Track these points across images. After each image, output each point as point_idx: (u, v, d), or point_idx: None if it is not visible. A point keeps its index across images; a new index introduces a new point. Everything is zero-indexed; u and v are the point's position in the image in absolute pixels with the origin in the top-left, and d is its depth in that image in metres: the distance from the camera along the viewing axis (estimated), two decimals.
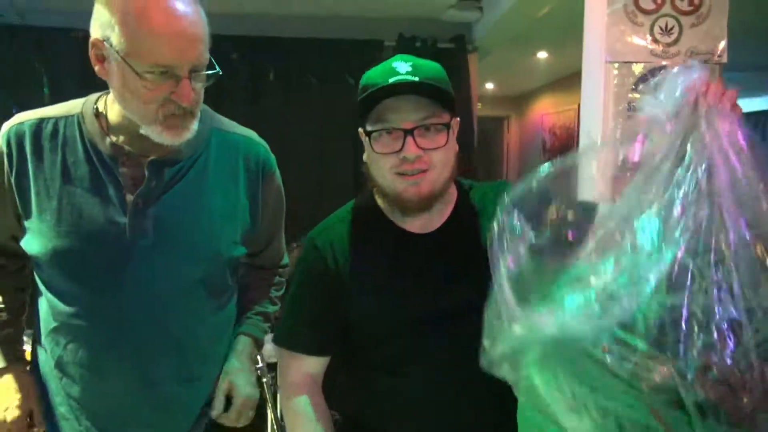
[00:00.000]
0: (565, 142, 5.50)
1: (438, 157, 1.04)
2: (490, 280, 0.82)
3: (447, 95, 1.05)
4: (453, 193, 1.17)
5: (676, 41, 1.79)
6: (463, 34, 3.57)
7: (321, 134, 3.54)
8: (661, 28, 1.78)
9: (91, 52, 1.05)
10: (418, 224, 1.12)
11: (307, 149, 3.52)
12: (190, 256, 1.15)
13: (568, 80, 5.33)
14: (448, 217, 1.14)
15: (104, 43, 1.02)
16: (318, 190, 3.58)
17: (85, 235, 1.09)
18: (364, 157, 1.12)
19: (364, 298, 1.13)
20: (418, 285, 1.10)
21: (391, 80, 1.02)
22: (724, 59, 1.78)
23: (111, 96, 1.12)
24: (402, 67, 1.04)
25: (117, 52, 1.00)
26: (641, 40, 1.78)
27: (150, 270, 1.12)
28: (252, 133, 1.27)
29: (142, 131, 1.07)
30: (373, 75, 1.06)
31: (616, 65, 1.80)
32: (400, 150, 1.02)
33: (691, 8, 1.77)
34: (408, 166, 1.03)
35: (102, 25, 1.02)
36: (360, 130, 1.09)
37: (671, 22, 1.78)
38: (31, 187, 1.11)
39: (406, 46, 3.52)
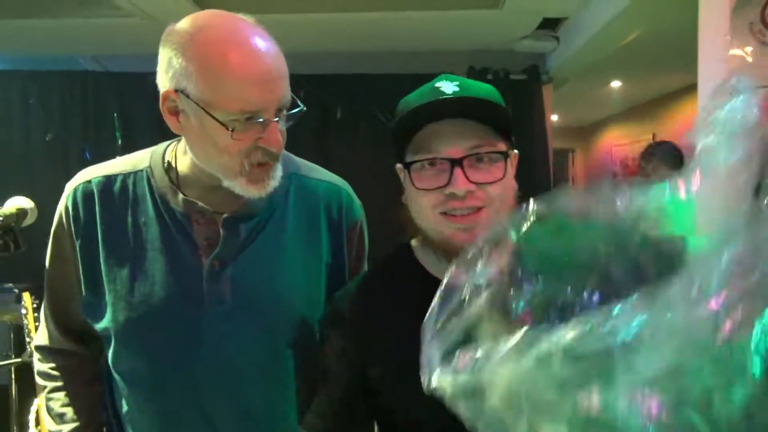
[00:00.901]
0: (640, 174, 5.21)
1: (494, 192, 0.85)
2: None
3: (503, 120, 0.87)
4: None
5: None
6: (537, 64, 3.42)
7: (392, 173, 3.42)
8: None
9: (163, 107, 0.92)
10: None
11: (376, 190, 3.37)
12: (270, 321, 1.00)
13: (640, 109, 5.08)
14: None
15: (179, 94, 0.89)
16: (389, 234, 3.42)
17: (159, 305, 0.96)
18: (403, 197, 0.93)
19: (391, 380, 0.90)
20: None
21: (433, 101, 0.85)
22: None
23: (181, 146, 1.00)
24: (447, 87, 0.86)
25: (196, 103, 0.88)
26: None
27: (228, 339, 0.98)
28: (334, 177, 1.12)
29: (224, 184, 0.94)
30: (412, 98, 0.89)
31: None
32: (447, 185, 0.84)
33: None
34: (457, 203, 0.84)
35: (175, 75, 0.89)
36: (398, 165, 0.91)
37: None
38: (100, 253, 0.99)
39: (477, 78, 3.38)
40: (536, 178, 3.41)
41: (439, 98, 0.86)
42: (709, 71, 1.67)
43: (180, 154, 1.02)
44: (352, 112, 3.42)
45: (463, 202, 0.85)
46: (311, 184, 1.07)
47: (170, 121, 0.94)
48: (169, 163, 1.03)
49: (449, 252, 0.87)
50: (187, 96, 0.89)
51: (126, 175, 1.03)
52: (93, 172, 1.04)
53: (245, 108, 0.87)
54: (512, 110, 3.35)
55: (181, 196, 0.99)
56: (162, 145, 1.07)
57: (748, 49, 1.59)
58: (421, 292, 0.84)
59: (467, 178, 0.84)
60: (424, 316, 0.85)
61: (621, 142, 5.61)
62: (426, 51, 3.46)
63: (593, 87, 4.35)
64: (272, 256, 1.01)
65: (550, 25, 3.08)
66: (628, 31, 2.67)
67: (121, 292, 0.98)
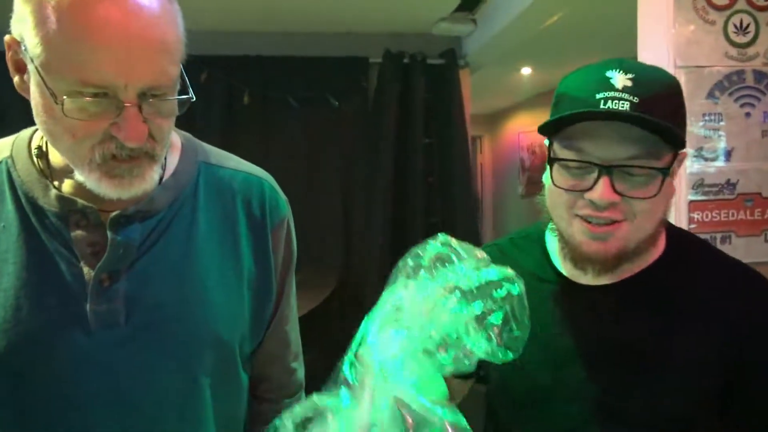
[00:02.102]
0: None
1: (641, 207, 0.78)
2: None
3: (677, 124, 0.78)
4: (659, 241, 0.87)
5: (752, 41, 1.55)
6: (454, 48, 3.32)
7: (303, 163, 3.19)
8: (735, 27, 1.54)
9: (8, 56, 0.71)
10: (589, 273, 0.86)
11: (287, 181, 3.14)
12: (179, 347, 0.79)
13: (547, 96, 5.14)
14: (645, 268, 0.85)
15: (20, 45, 0.69)
16: (299, 227, 3.22)
17: (25, 335, 0.73)
18: (543, 176, 0.85)
19: (495, 371, 0.91)
20: (577, 362, 0.83)
21: (598, 96, 0.76)
22: None
23: None
24: (618, 80, 0.76)
25: (32, 59, 0.67)
26: (714, 41, 1.54)
27: (126, 374, 0.76)
28: (252, 167, 0.93)
29: (76, 176, 0.73)
30: (576, 83, 0.80)
31: (686, 71, 1.54)
32: (589, 189, 0.77)
33: (767, 2, 1.54)
34: (595, 212, 0.78)
35: (19, 20, 0.69)
36: (546, 143, 0.85)
37: (747, 18, 1.54)
38: None
39: (394, 62, 3.24)
40: (456, 165, 3.32)
41: (607, 96, 0.76)
42: (649, 50, 1.61)
43: None
44: (262, 98, 3.16)
45: (601, 213, 0.78)
46: (225, 175, 0.88)
47: (16, 79, 0.73)
48: (40, 150, 0.79)
49: (577, 256, 0.82)
50: (25, 48, 0.68)
51: None
52: None
53: (87, 78, 0.65)
54: (429, 96, 3.28)
55: (54, 191, 0.76)
56: (28, 130, 0.82)
57: (691, 27, 1.53)
58: (539, 281, 0.88)
59: (614, 188, 0.77)
60: (544, 305, 0.86)
61: (528, 128, 5.69)
62: (342, 33, 3.26)
63: (504, 74, 4.33)
64: (179, 265, 0.80)
65: (467, 6, 2.98)
66: (550, 13, 2.61)
67: None
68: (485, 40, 3.14)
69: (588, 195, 0.77)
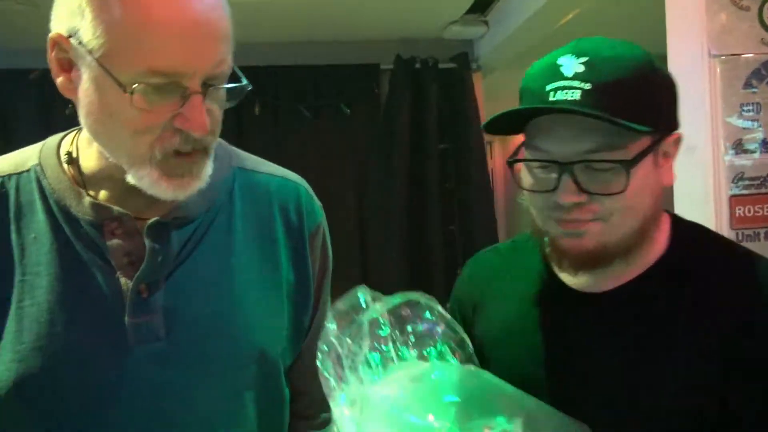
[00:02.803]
0: None
1: (613, 204, 0.71)
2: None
3: (648, 105, 0.70)
4: (659, 239, 0.79)
5: None
6: (466, 52, 3.27)
7: (316, 174, 3.14)
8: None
9: (51, 56, 0.68)
10: (584, 277, 0.80)
11: None
12: (221, 362, 0.76)
13: None
14: (641, 274, 0.78)
15: (70, 39, 0.66)
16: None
17: (62, 352, 0.70)
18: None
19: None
20: (565, 372, 0.78)
21: (548, 87, 0.71)
22: None
23: (85, 133, 0.75)
24: (569, 67, 0.70)
25: (90, 52, 0.64)
26: (749, 28, 1.49)
27: (166, 392, 0.73)
28: (287, 172, 0.91)
29: (130, 179, 0.70)
30: (532, 74, 0.77)
31: (720, 60, 1.48)
32: (553, 190, 0.72)
33: None
34: (564, 214, 0.73)
35: (70, 13, 0.66)
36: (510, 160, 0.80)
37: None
38: None
39: (405, 68, 3.19)
40: (472, 171, 3.26)
41: (555, 87, 0.70)
42: (680, 41, 1.55)
43: (84, 144, 0.76)
44: (273, 108, 3.12)
45: (570, 214, 0.72)
46: (261, 181, 0.86)
47: (60, 80, 0.69)
48: (70, 156, 0.76)
49: (561, 260, 0.77)
50: (80, 42, 0.65)
51: (5, 178, 0.75)
52: None
53: (156, 66, 0.63)
54: (443, 101, 3.23)
55: (87, 199, 0.73)
56: (56, 137, 0.80)
57: (724, 15, 1.48)
58: (536, 286, 0.82)
59: (579, 186, 0.70)
60: (536, 313, 0.81)
61: None
62: (352, 41, 3.22)
63: (515, 77, 4.27)
64: (218, 276, 0.77)
65: (479, 8, 2.94)
66: (565, 11, 2.56)
67: (4, 339, 0.70)
68: (497, 42, 3.09)
69: (554, 197, 0.72)
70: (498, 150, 7.13)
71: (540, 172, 0.75)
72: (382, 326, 0.72)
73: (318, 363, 0.87)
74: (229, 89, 0.72)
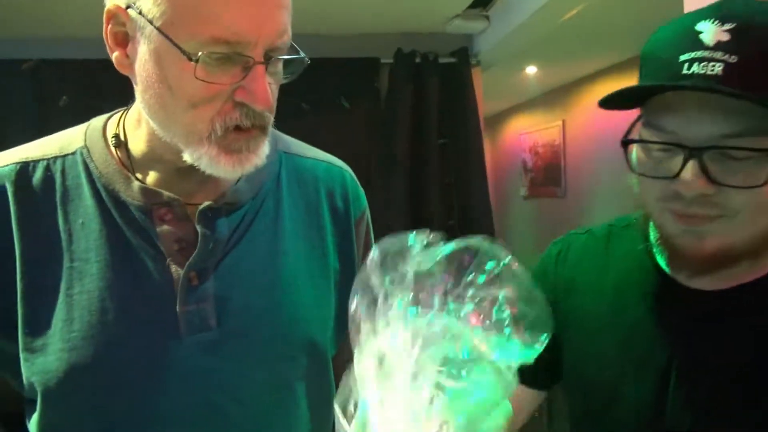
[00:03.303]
0: (550, 161, 5.28)
1: (743, 200, 0.62)
2: None
3: None
4: None
5: None
6: (466, 46, 3.27)
7: None
8: None
9: (107, 30, 0.66)
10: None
11: None
12: (273, 352, 0.74)
13: (550, 96, 5.13)
14: (763, 276, 0.70)
15: (128, 11, 0.64)
16: None
17: (114, 341, 0.68)
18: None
19: (577, 367, 0.79)
20: (664, 377, 0.70)
21: (683, 58, 0.60)
22: None
23: (132, 114, 0.73)
24: (710, 34, 0.59)
25: (151, 21, 0.62)
26: None
27: (218, 382, 0.71)
28: (330, 157, 0.90)
29: (186, 158, 0.68)
30: (663, 38, 0.65)
31: None
32: (675, 176, 0.63)
33: None
34: (683, 207, 0.64)
35: None
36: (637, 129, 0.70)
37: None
38: (17, 276, 0.68)
39: (405, 62, 3.18)
40: (472, 166, 3.26)
41: (692, 56, 0.59)
42: None
43: (132, 126, 0.74)
44: None
45: (692, 208, 0.63)
46: (307, 166, 0.85)
47: (116, 55, 0.67)
48: (117, 138, 0.74)
49: (674, 258, 0.68)
50: (140, 13, 0.63)
51: (51, 161, 0.72)
52: (1, 160, 0.72)
53: (220, 34, 0.61)
54: (443, 95, 3.22)
55: (137, 183, 0.72)
56: (101, 118, 0.77)
57: None
58: (636, 278, 0.73)
59: (707, 176, 0.61)
60: (636, 309, 0.73)
61: (530, 129, 5.67)
62: (352, 34, 3.20)
63: (510, 73, 4.30)
64: (267, 263, 0.76)
65: (481, 3, 2.93)
66: (569, 7, 2.56)
67: (55, 328, 0.67)
68: (498, 38, 3.09)
69: (675, 185, 0.63)
70: (488, 147, 7.18)
71: (661, 155, 0.65)
72: (432, 273, 0.62)
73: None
74: (287, 62, 0.70)
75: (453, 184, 3.27)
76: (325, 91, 3.14)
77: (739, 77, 0.58)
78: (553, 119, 5.16)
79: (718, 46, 0.59)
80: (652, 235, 0.78)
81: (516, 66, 4.07)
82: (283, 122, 3.06)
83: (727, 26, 0.60)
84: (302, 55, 0.70)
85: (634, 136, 0.69)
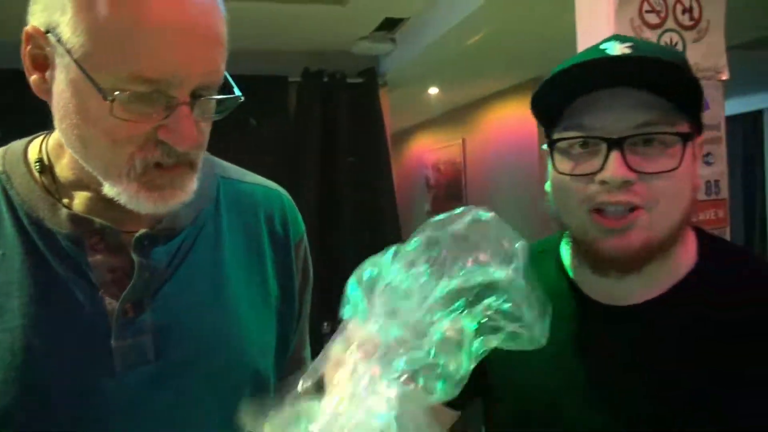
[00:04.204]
0: (453, 177, 5.47)
1: (662, 187, 0.67)
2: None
3: (689, 91, 0.68)
4: (687, 249, 0.75)
5: None
6: (373, 67, 3.33)
7: None
8: (666, 44, 1.67)
9: (25, 51, 0.62)
10: (613, 289, 0.74)
11: None
12: (218, 385, 0.71)
13: (451, 114, 5.33)
14: (672, 287, 0.73)
15: (48, 35, 0.60)
16: None
17: (40, 382, 0.63)
18: (546, 185, 0.76)
19: (506, 401, 0.79)
20: (594, 397, 0.72)
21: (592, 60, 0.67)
22: (726, 76, 1.71)
23: (55, 137, 0.69)
24: (614, 48, 0.68)
25: (68, 51, 0.58)
26: None
27: (158, 419, 0.67)
28: (267, 181, 0.87)
29: (106, 191, 0.64)
30: (569, 60, 0.70)
31: None
32: (599, 171, 0.67)
33: (692, 23, 1.68)
34: (609, 196, 0.67)
35: (49, 6, 0.60)
36: (545, 147, 0.74)
37: (675, 37, 1.67)
38: None
39: (313, 81, 3.19)
40: (381, 183, 3.32)
41: (594, 59, 0.66)
42: None
43: (55, 150, 0.69)
44: None
45: (616, 196, 0.66)
46: (246, 190, 0.81)
47: (33, 78, 0.63)
48: (41, 163, 0.69)
49: (596, 258, 0.70)
50: (59, 40, 0.58)
51: None
52: None
53: (142, 72, 0.58)
54: (351, 115, 3.26)
55: (64, 210, 0.67)
56: (20, 142, 0.72)
57: None
58: (555, 300, 0.69)
59: (627, 164, 0.66)
60: (557, 331, 0.68)
61: (432, 147, 5.84)
62: (259, 51, 3.16)
63: (414, 93, 4.42)
64: (208, 291, 0.73)
65: (387, 26, 3.01)
66: (471, 34, 2.69)
67: None
68: (405, 60, 3.19)
69: (599, 176, 0.67)
70: (392, 164, 7.32)
71: (584, 153, 0.69)
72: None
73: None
74: (219, 100, 0.67)
75: (362, 202, 3.31)
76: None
77: (646, 72, 0.66)
78: (454, 137, 5.35)
79: (624, 55, 0.68)
80: (566, 259, 0.81)
81: (420, 86, 4.20)
82: None
83: (627, 44, 0.69)
84: (236, 93, 0.66)
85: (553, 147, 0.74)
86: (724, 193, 1.75)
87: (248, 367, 0.74)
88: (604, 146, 0.67)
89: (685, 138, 0.68)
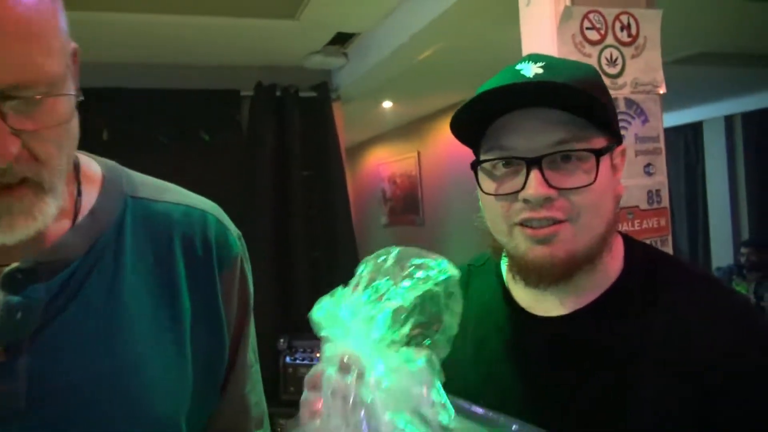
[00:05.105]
0: (409, 190, 5.51)
1: (582, 201, 0.70)
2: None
3: (598, 108, 0.71)
4: (615, 257, 0.77)
5: (621, 72, 1.75)
6: (326, 81, 3.34)
7: None
8: (607, 59, 1.73)
9: None
10: (546, 300, 0.77)
11: None
12: None
13: (406, 128, 5.38)
14: (599, 296, 0.75)
15: None
16: None
17: None
18: (480, 202, 0.78)
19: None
20: (527, 403, 0.73)
21: (509, 82, 0.71)
22: (663, 90, 1.78)
23: None
24: (528, 69, 0.72)
25: None
26: None
27: None
28: (194, 198, 0.78)
29: None
30: (489, 82, 0.74)
31: None
32: (521, 189, 0.70)
33: (629, 39, 1.75)
34: (533, 213, 0.70)
35: None
36: (471, 166, 0.77)
37: (615, 53, 1.74)
38: None
39: (266, 95, 3.18)
40: (335, 197, 3.32)
41: (509, 84, 0.69)
42: None
43: None
44: (123, 134, 2.92)
45: (539, 212, 0.70)
46: (159, 211, 0.73)
47: None
48: None
49: (527, 274, 0.72)
50: None
51: None
52: None
53: None
54: (304, 128, 3.26)
55: None
56: None
57: (572, 59, 1.69)
58: (492, 310, 0.77)
59: (547, 181, 0.69)
60: (493, 340, 0.76)
61: (388, 159, 5.88)
62: (212, 65, 3.13)
63: (368, 107, 4.45)
64: (103, 330, 0.65)
65: (339, 40, 3.03)
66: (422, 49, 2.73)
67: None
68: (357, 74, 3.21)
69: (521, 195, 0.70)
70: (348, 177, 7.33)
71: (505, 174, 0.73)
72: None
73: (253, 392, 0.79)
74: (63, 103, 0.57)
75: (317, 216, 3.30)
76: (183, 123, 3.03)
77: (554, 95, 0.70)
78: (409, 150, 5.40)
79: (536, 76, 0.71)
80: (504, 270, 0.84)
81: (374, 100, 4.23)
82: (139, 156, 2.88)
83: (540, 64, 0.73)
84: (70, 92, 0.58)
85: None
86: (665, 202, 1.82)
87: (147, 415, 0.66)
88: (524, 165, 0.70)
89: (599, 153, 0.71)
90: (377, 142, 6.14)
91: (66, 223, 0.66)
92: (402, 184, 5.70)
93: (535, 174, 0.69)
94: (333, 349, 0.58)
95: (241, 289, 0.78)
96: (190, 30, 2.65)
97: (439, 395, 0.56)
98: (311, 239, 3.25)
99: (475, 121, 0.74)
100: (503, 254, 0.81)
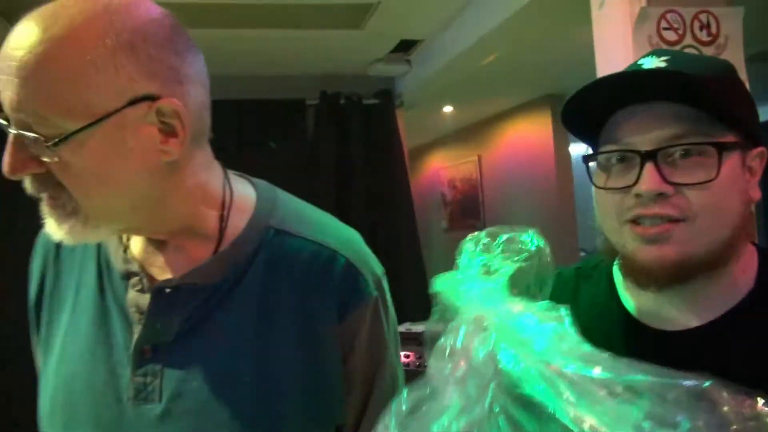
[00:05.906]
0: (469, 194, 5.47)
1: (700, 199, 0.64)
2: None
3: (725, 102, 0.66)
4: (745, 269, 0.71)
5: None
6: (389, 88, 3.37)
7: None
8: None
9: None
10: (661, 311, 0.71)
11: None
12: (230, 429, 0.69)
13: (465, 132, 5.35)
14: (726, 312, 0.69)
15: None
16: None
17: (79, 392, 0.72)
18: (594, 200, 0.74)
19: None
20: None
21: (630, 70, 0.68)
22: None
23: None
24: (650, 62, 0.67)
25: None
26: None
27: None
28: (333, 235, 0.75)
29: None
30: (606, 77, 0.69)
31: None
32: (634, 184, 0.65)
33: (710, 38, 1.69)
34: (644, 209, 0.65)
35: None
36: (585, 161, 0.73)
37: (694, 53, 1.68)
38: (43, 316, 0.80)
39: (330, 103, 3.23)
40: (399, 205, 3.33)
41: (627, 72, 0.66)
42: None
43: None
44: None
45: (652, 208, 0.64)
46: (292, 247, 0.72)
47: None
48: None
49: (637, 275, 0.67)
50: None
51: None
52: None
53: None
54: (368, 136, 3.29)
55: (121, 251, 0.75)
56: None
57: None
58: (603, 322, 0.72)
59: (662, 177, 0.64)
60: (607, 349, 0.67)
61: (448, 164, 5.86)
62: (278, 75, 3.22)
63: (429, 112, 4.46)
64: (226, 356, 0.70)
65: (403, 48, 3.05)
66: (485, 54, 2.72)
67: (51, 367, 0.76)
68: (420, 80, 3.22)
69: (634, 189, 0.65)
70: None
71: (618, 168, 0.68)
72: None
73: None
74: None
75: (381, 223, 3.31)
76: (251, 132, 3.12)
77: (675, 85, 0.65)
78: (469, 154, 5.37)
79: (656, 69, 0.67)
80: (617, 277, 0.77)
81: (435, 105, 4.24)
82: None
83: (664, 58, 0.68)
84: (34, 136, 0.60)
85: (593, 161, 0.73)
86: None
87: (267, 412, 0.69)
88: (638, 159, 0.66)
89: (722, 147, 0.65)
90: (437, 147, 6.13)
91: (210, 248, 0.72)
92: (462, 188, 5.67)
93: (648, 168, 0.64)
94: (467, 312, 0.59)
95: (372, 336, 0.73)
96: (260, 43, 2.73)
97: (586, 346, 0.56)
98: (375, 245, 3.27)
99: (592, 114, 0.70)
100: (617, 259, 0.75)
